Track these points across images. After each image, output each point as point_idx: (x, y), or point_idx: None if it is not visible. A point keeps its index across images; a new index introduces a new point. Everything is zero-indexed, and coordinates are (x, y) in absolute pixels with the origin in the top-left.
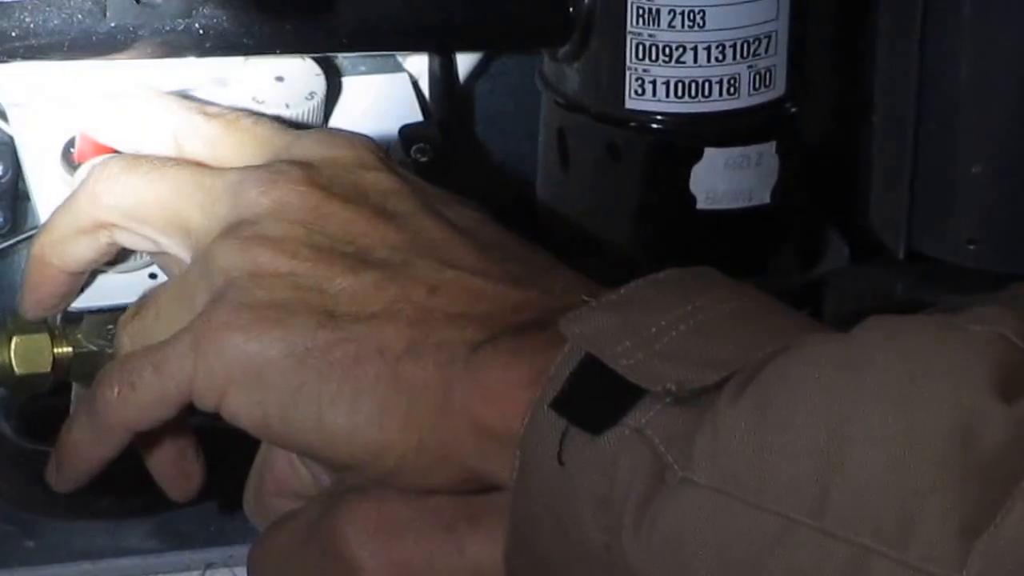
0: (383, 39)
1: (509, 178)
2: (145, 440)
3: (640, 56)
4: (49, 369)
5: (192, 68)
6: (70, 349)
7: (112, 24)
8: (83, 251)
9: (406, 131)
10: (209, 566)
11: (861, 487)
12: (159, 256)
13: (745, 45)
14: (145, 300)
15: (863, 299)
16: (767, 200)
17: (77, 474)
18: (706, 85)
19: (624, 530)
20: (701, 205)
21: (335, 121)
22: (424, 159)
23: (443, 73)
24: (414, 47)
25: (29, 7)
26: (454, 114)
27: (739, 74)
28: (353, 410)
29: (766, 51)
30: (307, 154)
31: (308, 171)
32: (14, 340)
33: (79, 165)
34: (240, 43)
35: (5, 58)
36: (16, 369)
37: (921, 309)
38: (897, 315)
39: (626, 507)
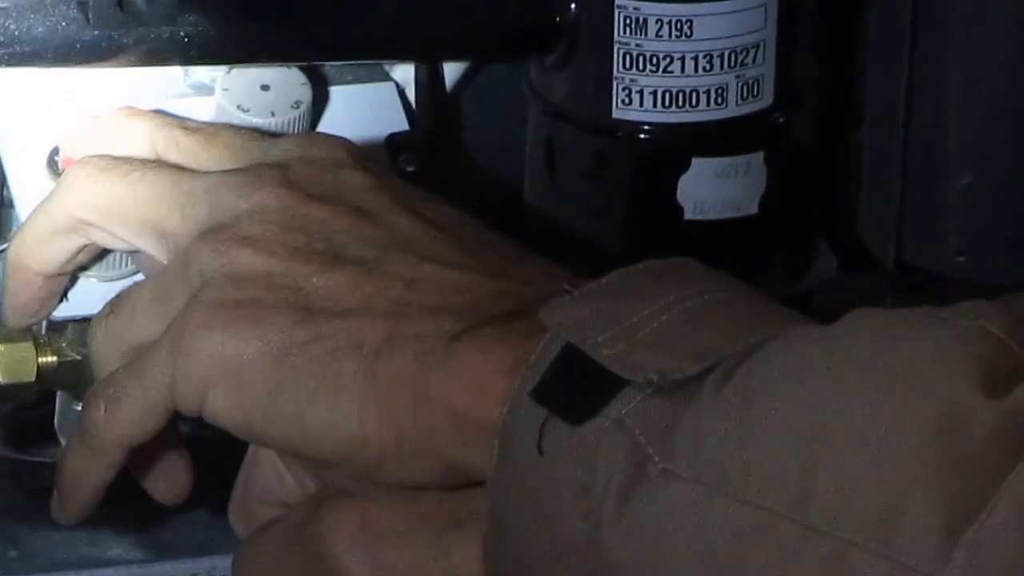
0: (369, 48)
1: (496, 187)
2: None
3: (627, 65)
4: (34, 378)
5: (177, 76)
6: (55, 358)
7: (96, 32)
8: (59, 252)
9: (392, 140)
10: None
11: (844, 480)
12: (138, 256)
13: (733, 55)
14: (120, 300)
15: (851, 311)
16: (755, 210)
17: (80, 503)
18: (694, 95)
19: (604, 521)
20: (689, 215)
21: (321, 130)
22: (411, 168)
23: (430, 82)
24: (401, 56)
25: (13, 14)
26: (441, 123)
27: (727, 84)
28: (332, 405)
29: (754, 61)
30: (284, 156)
31: (285, 172)
32: None
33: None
34: (225, 51)
35: None
36: (0, 378)
37: None
38: (882, 309)
39: (606, 498)
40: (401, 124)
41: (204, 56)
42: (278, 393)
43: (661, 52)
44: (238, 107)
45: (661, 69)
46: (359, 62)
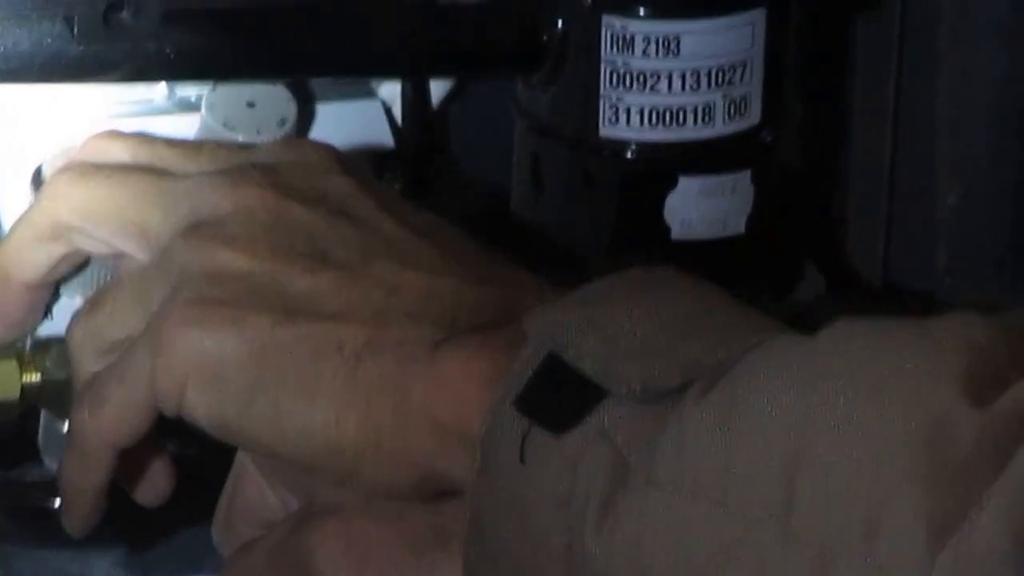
0: (355, 65)
1: (482, 204)
2: None
3: (614, 83)
4: (18, 396)
5: (162, 93)
6: (39, 376)
7: (82, 48)
8: (42, 260)
9: (378, 157)
10: None
11: (828, 488)
12: (116, 260)
13: (720, 73)
14: (99, 297)
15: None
16: (742, 229)
17: (83, 512)
18: (681, 113)
19: (586, 531)
20: (675, 234)
21: None
22: (396, 185)
23: (416, 99)
24: (387, 73)
25: None
26: (427, 140)
27: (714, 102)
28: (310, 408)
29: (741, 79)
30: (269, 159)
31: (269, 174)
32: None
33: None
34: (211, 68)
35: None
36: None
37: None
38: (866, 319)
39: (588, 508)
40: (387, 141)
41: (190, 73)
42: (256, 392)
43: (648, 70)
44: (223, 124)
45: (648, 87)
46: (345, 79)
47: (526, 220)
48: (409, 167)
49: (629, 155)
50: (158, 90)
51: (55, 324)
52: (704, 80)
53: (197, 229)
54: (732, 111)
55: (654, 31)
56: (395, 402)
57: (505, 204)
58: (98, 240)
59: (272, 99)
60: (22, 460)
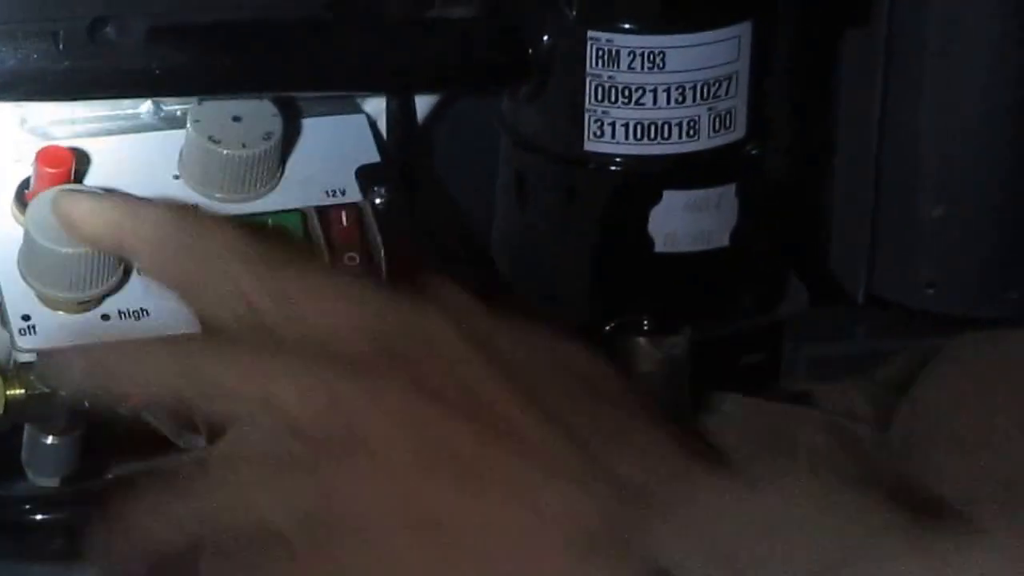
0: (341, 80)
1: (467, 219)
2: None
3: (599, 98)
4: (1, 411)
5: (149, 108)
6: (23, 391)
7: (68, 64)
8: None
9: (363, 172)
10: None
11: None
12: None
13: (705, 87)
14: None
15: (822, 344)
16: (727, 243)
17: None
18: (666, 127)
19: None
20: (660, 247)
21: (292, 162)
22: (380, 200)
23: (401, 114)
24: (372, 88)
25: None
26: (412, 155)
27: (699, 116)
28: None
29: (727, 93)
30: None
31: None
32: None
33: None
34: (197, 83)
35: None
36: None
37: (880, 354)
38: None
39: None
40: (372, 156)
41: (176, 88)
42: None
43: (633, 84)
44: (209, 138)
45: (633, 101)
46: (330, 94)
47: (510, 234)
48: (394, 182)
49: (614, 169)
50: (144, 105)
51: (39, 339)
52: (689, 94)
53: None
54: (717, 125)
55: (640, 45)
56: None
57: (489, 218)
58: None
59: (258, 113)
60: (6, 475)
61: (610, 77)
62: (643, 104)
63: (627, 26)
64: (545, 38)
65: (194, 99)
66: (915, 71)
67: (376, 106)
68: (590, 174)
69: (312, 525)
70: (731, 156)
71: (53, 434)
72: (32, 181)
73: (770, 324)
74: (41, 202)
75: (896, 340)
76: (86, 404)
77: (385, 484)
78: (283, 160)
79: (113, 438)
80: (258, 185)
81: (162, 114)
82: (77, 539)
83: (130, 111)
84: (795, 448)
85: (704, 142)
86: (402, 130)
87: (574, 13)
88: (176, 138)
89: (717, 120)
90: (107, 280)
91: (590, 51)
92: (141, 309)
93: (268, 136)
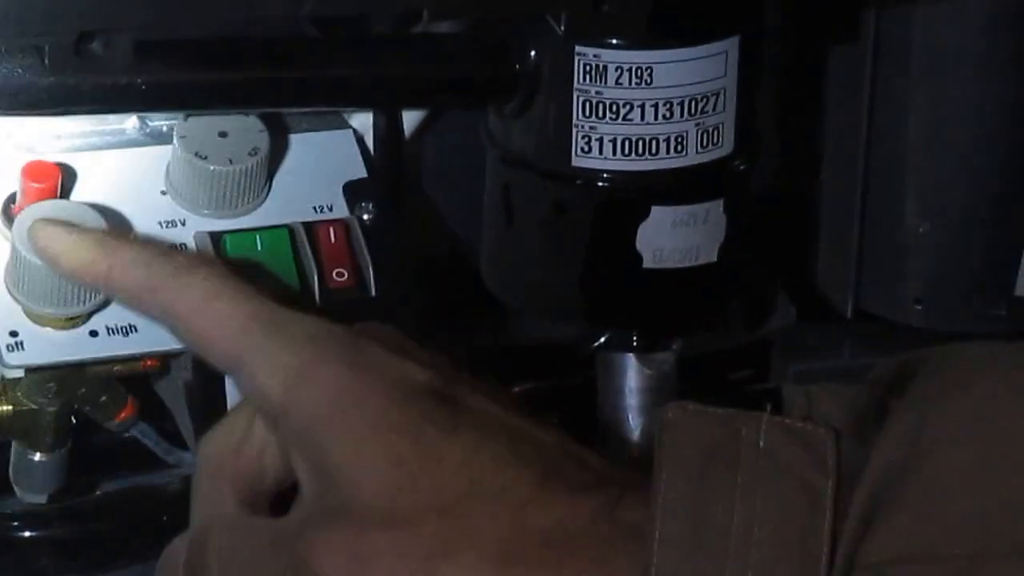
0: (328, 96)
1: (454, 234)
2: None
3: (587, 113)
4: None
5: (135, 124)
6: (10, 407)
7: (53, 79)
8: None
9: (350, 188)
10: None
11: None
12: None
13: (693, 103)
14: None
15: (810, 359)
16: (714, 258)
17: None
18: (653, 143)
19: None
20: (648, 263)
21: (279, 177)
22: (368, 216)
23: (388, 129)
24: (359, 104)
25: None
26: (399, 170)
27: (687, 131)
28: None
29: (714, 108)
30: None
31: None
32: None
33: None
34: (183, 99)
35: None
36: None
37: (868, 369)
38: None
39: None
40: (359, 171)
41: (162, 103)
42: None
43: (621, 100)
44: (196, 154)
45: (621, 117)
46: (317, 109)
47: (497, 250)
48: (381, 197)
49: (601, 185)
50: (130, 121)
51: (27, 355)
52: (677, 110)
53: None
54: (705, 141)
55: (627, 61)
56: None
57: (476, 234)
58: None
59: (244, 129)
60: None
61: (598, 93)
62: (631, 120)
63: (614, 42)
64: (532, 54)
65: (180, 115)
66: (901, 87)
67: (363, 121)
68: (578, 190)
69: None
70: (719, 172)
71: (41, 451)
72: (18, 196)
73: (758, 339)
74: (27, 217)
75: (884, 355)
76: (74, 420)
77: None
78: (270, 176)
79: (101, 455)
80: (245, 201)
81: (148, 129)
82: (65, 556)
83: (116, 126)
84: (737, 451)
85: (692, 158)
86: (389, 146)
87: (561, 29)
88: (162, 153)
89: (705, 136)
90: (94, 296)
91: (577, 67)
92: (129, 325)
93: (255, 152)
